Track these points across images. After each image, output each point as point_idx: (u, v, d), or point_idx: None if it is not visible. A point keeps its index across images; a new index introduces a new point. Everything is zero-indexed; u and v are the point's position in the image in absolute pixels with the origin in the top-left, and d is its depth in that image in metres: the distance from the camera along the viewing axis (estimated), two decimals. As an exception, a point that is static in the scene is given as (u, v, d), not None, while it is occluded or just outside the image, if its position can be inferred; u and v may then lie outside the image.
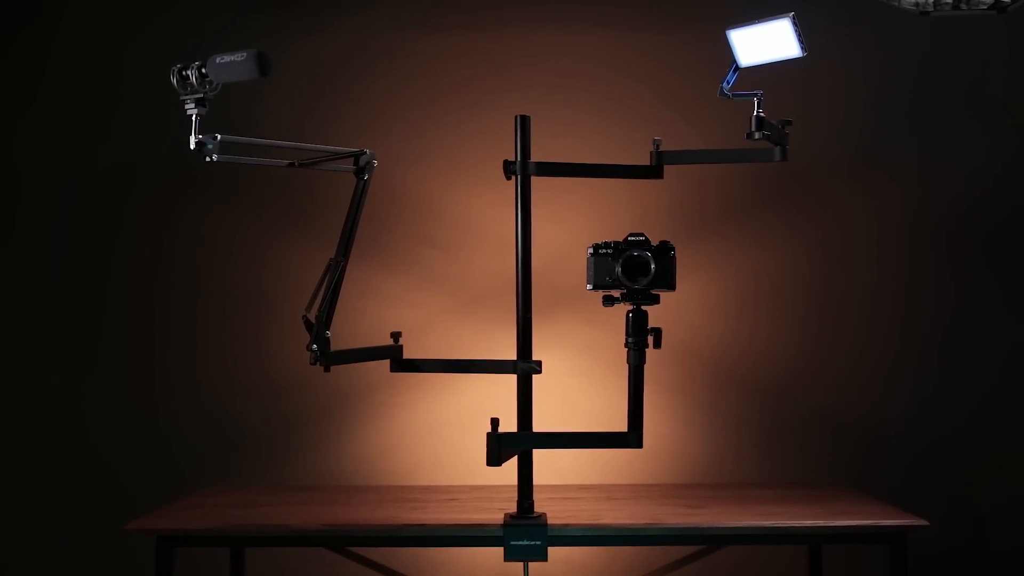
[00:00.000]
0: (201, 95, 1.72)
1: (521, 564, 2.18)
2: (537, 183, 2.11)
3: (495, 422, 1.96)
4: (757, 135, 2.00)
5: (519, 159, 2.09)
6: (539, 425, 2.14)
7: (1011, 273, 2.83)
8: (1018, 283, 2.83)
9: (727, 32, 1.97)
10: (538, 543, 2.01)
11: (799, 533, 2.08)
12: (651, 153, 2.15)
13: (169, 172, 2.83)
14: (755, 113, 1.99)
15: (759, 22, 1.93)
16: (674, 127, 2.34)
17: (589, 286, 1.96)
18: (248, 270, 2.86)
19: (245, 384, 2.83)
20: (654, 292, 1.93)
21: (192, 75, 1.71)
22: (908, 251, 2.85)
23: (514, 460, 2.07)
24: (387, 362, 2.14)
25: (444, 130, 2.86)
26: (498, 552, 2.03)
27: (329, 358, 1.93)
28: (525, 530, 2.02)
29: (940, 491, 2.74)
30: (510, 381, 2.12)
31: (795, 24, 1.90)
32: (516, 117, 2.10)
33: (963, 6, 1.89)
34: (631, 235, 1.95)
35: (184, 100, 1.73)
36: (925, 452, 2.80)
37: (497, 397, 2.28)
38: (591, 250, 1.95)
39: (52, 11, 2.91)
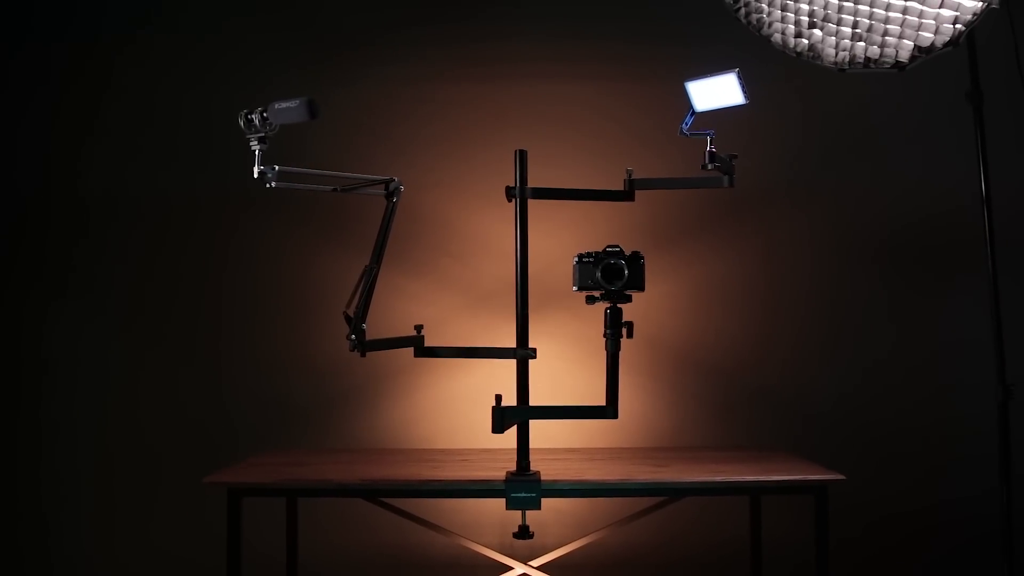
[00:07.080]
0: (263, 134, 1.74)
1: (520, 512, 2.22)
2: (533, 205, 2.12)
3: (499, 398, 1.98)
4: (710, 166, 2.02)
5: (518, 185, 2.10)
6: (534, 400, 2.15)
7: (915, 276, 2.85)
8: (920, 284, 2.85)
9: (685, 83, 1.99)
10: (533, 495, 2.03)
11: (743, 486, 2.11)
12: (625, 180, 2.17)
13: (229, 195, 2.84)
14: (708, 148, 2.02)
15: (711, 75, 1.96)
16: (644, 159, 2.34)
17: (575, 288, 1.97)
18: (298, 275, 2.87)
19: (296, 366, 2.84)
20: (627, 293, 1.95)
21: (256, 118, 1.73)
22: (834, 259, 2.86)
23: (514, 428, 2.08)
24: (411, 349, 2.15)
25: (457, 162, 2.87)
26: (501, 502, 2.05)
27: (364, 346, 1.94)
28: (523, 484, 2.04)
29: (860, 453, 2.75)
30: (510, 365, 2.13)
31: (739, 77, 1.92)
32: (516, 151, 2.11)
33: (872, 65, 1.92)
34: (609, 247, 1.97)
35: (249, 138, 1.75)
36: (847, 422, 2.81)
37: (500, 378, 2.29)
38: (576, 259, 1.97)
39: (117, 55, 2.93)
